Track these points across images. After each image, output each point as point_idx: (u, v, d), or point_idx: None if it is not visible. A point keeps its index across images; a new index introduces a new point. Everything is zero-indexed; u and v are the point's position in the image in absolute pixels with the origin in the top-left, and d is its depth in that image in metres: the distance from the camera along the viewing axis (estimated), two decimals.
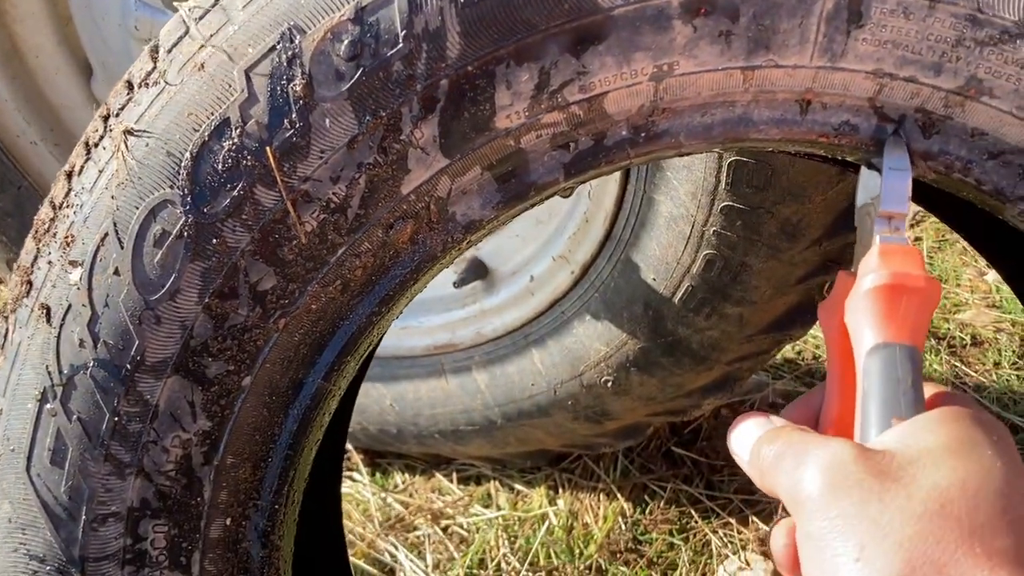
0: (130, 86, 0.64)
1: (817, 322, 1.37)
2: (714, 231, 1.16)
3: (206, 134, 0.60)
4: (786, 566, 0.59)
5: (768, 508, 1.64)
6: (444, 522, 1.67)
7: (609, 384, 1.43)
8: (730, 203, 1.12)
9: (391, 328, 1.61)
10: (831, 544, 0.48)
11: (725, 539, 1.59)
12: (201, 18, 0.61)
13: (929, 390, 0.61)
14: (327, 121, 0.59)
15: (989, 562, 0.45)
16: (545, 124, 0.61)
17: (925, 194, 0.76)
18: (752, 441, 0.59)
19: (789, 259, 1.18)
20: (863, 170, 0.68)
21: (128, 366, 0.63)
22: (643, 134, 0.63)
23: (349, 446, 1.80)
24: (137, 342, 0.63)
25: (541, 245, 1.45)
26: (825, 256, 1.21)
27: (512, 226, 1.49)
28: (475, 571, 1.56)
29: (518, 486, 1.74)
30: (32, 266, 0.66)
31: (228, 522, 0.69)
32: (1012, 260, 0.79)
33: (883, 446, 0.52)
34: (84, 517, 0.66)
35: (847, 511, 0.48)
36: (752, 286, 1.21)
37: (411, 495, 1.74)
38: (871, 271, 0.61)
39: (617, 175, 1.22)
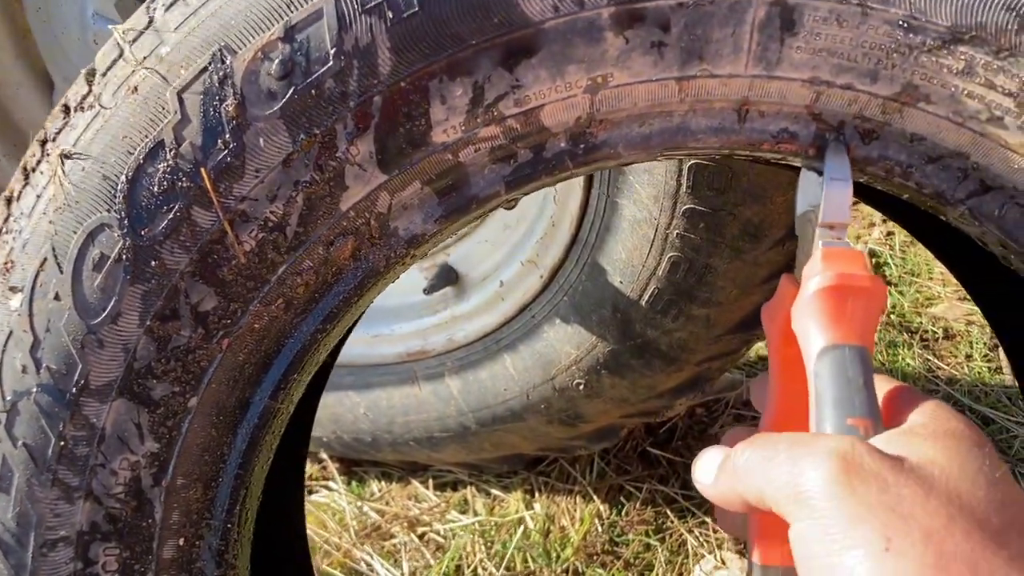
0: (67, 109, 0.64)
1: None
2: (677, 234, 1.16)
3: (141, 157, 0.59)
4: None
5: None
6: (420, 529, 1.67)
7: (581, 387, 1.43)
8: (692, 206, 1.12)
9: (363, 336, 1.61)
10: (851, 535, 0.45)
11: (701, 538, 1.60)
12: (135, 40, 0.61)
13: (883, 385, 0.60)
14: (261, 140, 0.59)
15: (1014, 564, 0.44)
16: (483, 138, 0.61)
17: (876, 197, 0.76)
18: (715, 465, 0.57)
19: (753, 260, 1.19)
20: (802, 178, 0.68)
21: (72, 390, 0.63)
22: (582, 145, 0.63)
23: (324, 455, 1.79)
24: (80, 366, 0.62)
25: (510, 250, 1.45)
26: (788, 256, 1.21)
27: (481, 231, 1.49)
28: None
29: (495, 491, 1.74)
30: None
31: (181, 543, 0.69)
32: (962, 261, 0.79)
33: (891, 450, 0.50)
34: (33, 543, 0.65)
35: (868, 500, 0.46)
36: (718, 287, 1.22)
37: (387, 503, 1.74)
38: (816, 274, 0.61)
39: (581, 179, 1.22)
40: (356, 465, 1.81)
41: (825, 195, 0.63)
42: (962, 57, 0.59)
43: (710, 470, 0.57)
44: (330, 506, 1.73)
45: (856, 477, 0.47)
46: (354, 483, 1.79)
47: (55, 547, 0.65)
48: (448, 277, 1.55)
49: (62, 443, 0.64)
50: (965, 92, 0.60)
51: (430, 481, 1.77)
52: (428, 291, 1.55)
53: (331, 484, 1.77)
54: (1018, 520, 0.47)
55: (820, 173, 0.65)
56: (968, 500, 0.46)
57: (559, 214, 1.31)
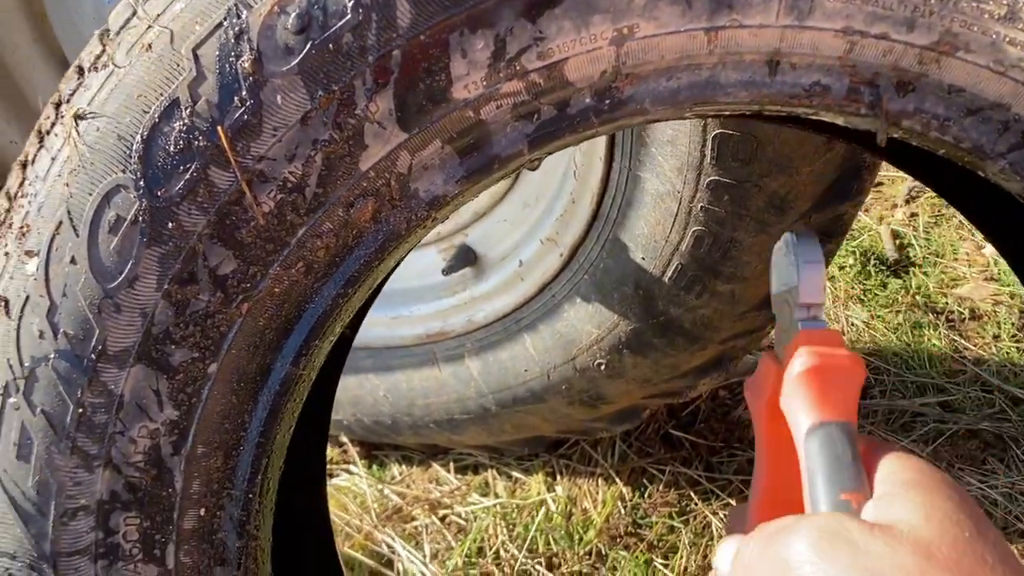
0: (80, 71, 0.63)
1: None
2: (701, 207, 1.14)
3: (156, 115, 0.58)
4: None
5: None
6: (442, 512, 1.66)
7: (603, 367, 1.41)
8: (716, 177, 1.10)
9: (382, 318, 1.60)
10: None
11: (726, 520, 1.57)
12: None
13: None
14: (278, 97, 0.57)
15: None
16: (505, 94, 0.60)
17: (903, 157, 0.74)
18: (731, 557, 0.60)
19: (779, 233, 1.16)
20: (775, 259, 0.72)
21: (90, 356, 0.62)
22: (607, 101, 0.61)
23: (345, 439, 1.79)
24: (98, 331, 0.61)
25: (529, 229, 1.44)
26: (816, 229, 1.19)
27: (499, 210, 1.47)
28: (473, 560, 1.55)
29: (515, 474, 1.73)
30: None
31: (202, 512, 0.68)
32: (996, 220, 0.77)
33: (868, 517, 0.55)
34: (53, 512, 0.64)
35: (840, 561, 0.50)
36: (742, 262, 1.20)
37: (408, 486, 1.73)
38: (799, 356, 0.64)
39: (602, 153, 1.20)
40: (376, 449, 1.80)
41: (800, 278, 0.66)
42: (1004, 2, 0.57)
43: (727, 561, 0.61)
44: (351, 489, 1.72)
45: (832, 545, 0.51)
46: (374, 466, 1.78)
47: (75, 516, 0.65)
48: (466, 258, 1.54)
49: (80, 410, 0.63)
50: (1007, 39, 0.58)
51: (451, 464, 1.76)
52: (447, 272, 1.53)
53: (351, 468, 1.76)
54: (988, 555, 0.50)
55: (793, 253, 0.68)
56: (938, 547, 0.50)
57: (579, 190, 1.29)
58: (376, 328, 1.60)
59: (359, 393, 1.65)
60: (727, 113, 0.68)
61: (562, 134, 0.63)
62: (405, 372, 1.61)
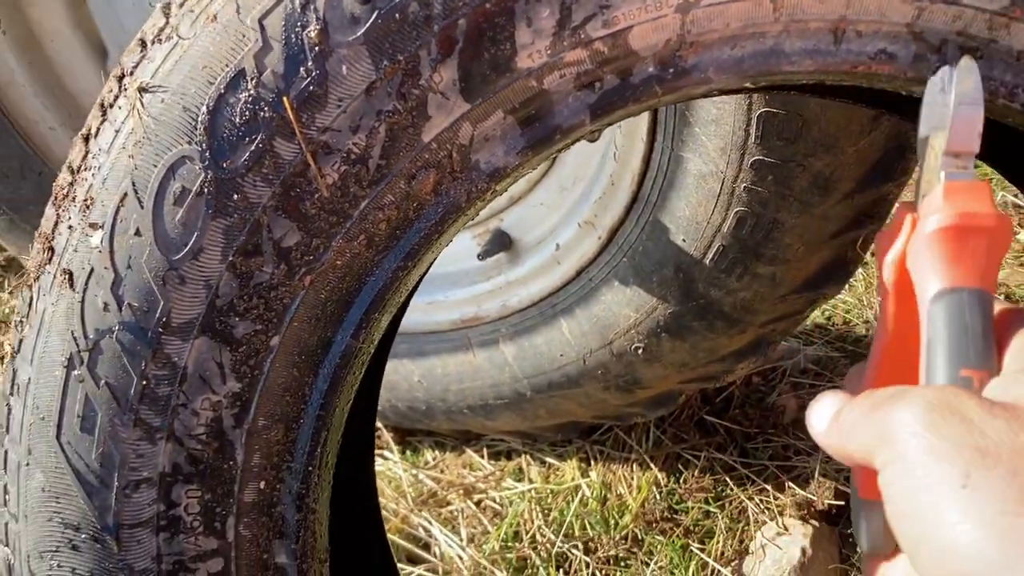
0: (143, 44, 0.63)
1: (850, 282, 1.34)
2: (744, 187, 1.13)
3: (222, 86, 0.58)
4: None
5: (804, 473, 1.62)
6: (476, 496, 1.67)
7: (640, 351, 1.41)
8: (760, 157, 1.09)
9: (417, 303, 1.61)
10: (932, 472, 0.44)
11: (762, 505, 1.57)
12: None
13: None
14: (344, 68, 0.57)
15: None
16: (568, 63, 0.59)
17: None
18: (830, 414, 0.55)
19: (822, 214, 1.16)
20: (927, 96, 0.63)
21: (154, 328, 0.62)
22: (671, 70, 0.61)
23: (379, 424, 1.79)
24: (162, 303, 0.62)
25: (566, 212, 1.43)
26: (858, 210, 1.18)
27: (535, 194, 1.47)
28: (510, 544, 1.55)
29: (549, 459, 1.73)
30: (53, 232, 0.65)
31: (262, 486, 0.68)
32: None
33: (991, 395, 0.49)
34: (116, 484, 0.65)
35: (950, 437, 0.45)
36: (784, 243, 1.19)
37: (442, 471, 1.73)
38: (936, 211, 0.57)
39: (644, 133, 1.20)
40: (410, 434, 1.81)
41: (953, 121, 0.58)
42: None
43: (824, 418, 0.55)
44: (386, 474, 1.73)
45: (942, 419, 0.46)
46: (408, 452, 1.79)
47: (138, 488, 0.65)
48: (502, 242, 1.53)
49: (144, 382, 0.63)
50: None
51: (484, 450, 1.76)
52: (482, 257, 1.53)
53: (386, 453, 1.77)
54: None
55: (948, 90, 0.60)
56: None
57: (619, 172, 1.29)
58: (411, 313, 1.60)
59: (394, 378, 1.65)
60: (788, 84, 0.67)
61: (624, 104, 0.62)
62: (440, 357, 1.62)
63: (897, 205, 0.64)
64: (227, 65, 0.58)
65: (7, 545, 0.70)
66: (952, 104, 0.58)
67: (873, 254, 1.88)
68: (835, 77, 0.64)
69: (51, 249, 0.65)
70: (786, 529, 1.49)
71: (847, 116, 1.06)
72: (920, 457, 0.45)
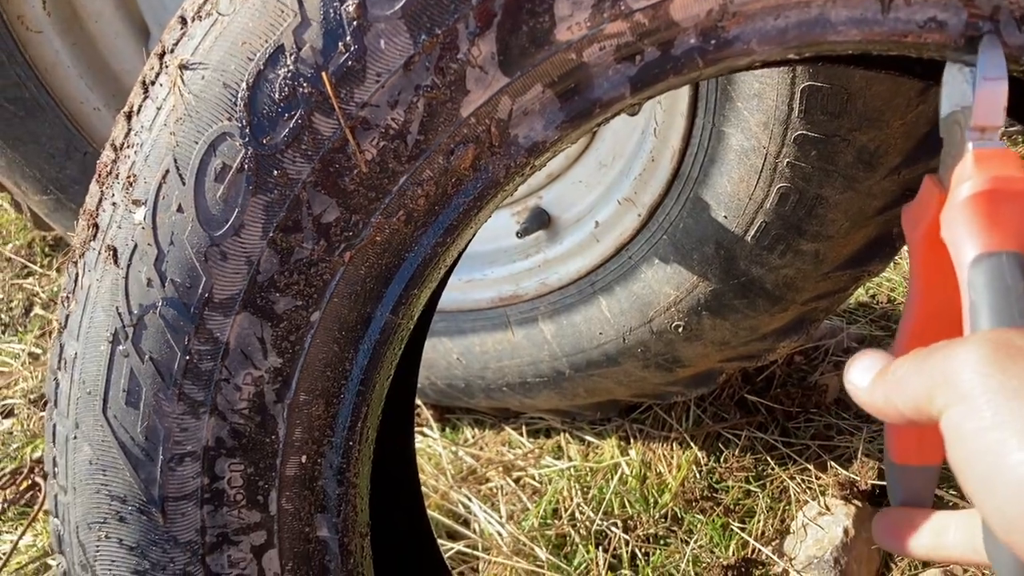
0: (183, 21, 0.63)
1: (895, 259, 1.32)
2: (788, 163, 1.11)
3: (261, 62, 0.58)
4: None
5: (847, 453, 1.60)
6: (516, 474, 1.67)
7: (680, 329, 1.40)
8: (804, 132, 1.07)
9: (455, 282, 1.61)
10: (1001, 410, 0.43)
11: (803, 485, 1.56)
12: None
13: None
14: (382, 42, 0.57)
15: None
16: (608, 35, 0.59)
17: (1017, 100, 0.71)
18: (873, 370, 0.54)
19: (867, 190, 1.13)
20: (947, 74, 0.63)
21: (196, 304, 0.63)
22: (713, 41, 0.60)
23: (418, 401, 1.80)
24: (204, 279, 0.62)
25: (605, 189, 1.42)
26: (904, 185, 1.15)
27: (574, 171, 1.46)
28: (549, 520, 1.56)
29: (588, 437, 1.73)
30: (97, 209, 0.66)
31: (303, 460, 0.69)
32: None
33: None
34: (161, 457, 0.66)
35: (1018, 374, 0.43)
36: (828, 220, 1.17)
37: (481, 448, 1.74)
38: (967, 179, 0.57)
39: (684, 109, 1.18)
40: (449, 412, 1.82)
41: (977, 95, 0.58)
42: None
43: (866, 374, 0.54)
44: (425, 451, 1.74)
45: (1008, 357, 0.44)
46: (447, 430, 1.80)
47: (182, 461, 0.66)
48: (540, 220, 1.53)
49: (187, 357, 0.64)
50: None
51: (523, 428, 1.77)
52: (520, 235, 1.53)
53: (425, 430, 1.78)
54: None
55: (967, 64, 0.60)
56: None
57: (659, 148, 1.27)
58: (449, 291, 1.61)
59: (432, 356, 1.66)
60: (833, 55, 0.65)
61: (665, 76, 0.61)
62: (478, 335, 1.62)
63: (925, 178, 0.63)
64: (266, 41, 0.58)
65: (57, 516, 0.72)
66: (976, 79, 0.58)
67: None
68: (882, 47, 0.62)
69: (95, 226, 0.66)
70: (828, 509, 1.47)
71: (893, 89, 1.04)
72: (987, 396, 0.43)
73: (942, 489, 1.49)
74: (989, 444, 0.42)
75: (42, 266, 2.51)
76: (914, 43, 0.61)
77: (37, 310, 2.36)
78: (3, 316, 2.35)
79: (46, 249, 2.55)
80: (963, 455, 0.44)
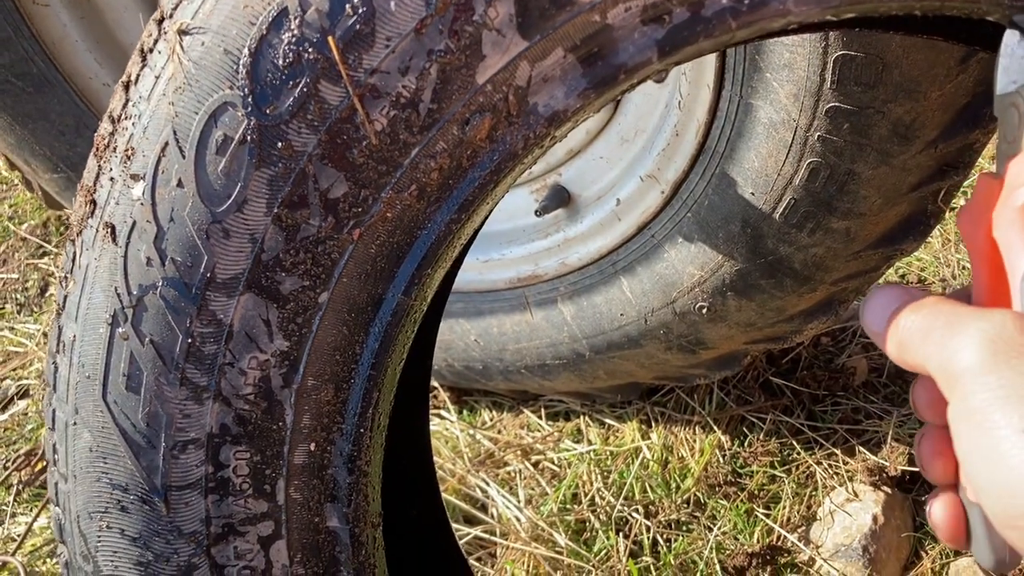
0: None
1: (927, 238, 1.26)
2: (819, 137, 1.07)
3: (264, 27, 0.55)
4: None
5: (876, 438, 1.56)
6: (534, 457, 1.64)
7: (704, 311, 1.35)
8: (836, 104, 1.03)
9: (473, 262, 1.58)
10: (991, 416, 0.43)
11: (830, 470, 1.52)
12: None
13: None
14: (392, 4, 0.53)
15: None
16: None
17: None
18: (889, 311, 0.53)
19: (901, 164, 1.08)
20: (1006, 42, 0.57)
21: (198, 284, 0.59)
22: (746, 1, 0.56)
23: (435, 384, 1.78)
24: (206, 258, 0.59)
25: (627, 165, 1.38)
26: (941, 160, 1.11)
27: (595, 147, 1.42)
28: (568, 505, 1.53)
29: (609, 421, 1.69)
30: (95, 184, 0.63)
31: (312, 447, 0.66)
32: None
33: None
34: (164, 444, 0.63)
35: (1012, 380, 0.43)
36: (860, 196, 1.12)
37: (499, 431, 1.71)
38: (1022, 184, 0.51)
39: (710, 81, 1.14)
40: (466, 394, 1.79)
41: None
42: None
43: (881, 315, 0.53)
44: (442, 434, 1.71)
45: (1004, 356, 0.45)
46: (465, 412, 1.77)
47: (186, 449, 0.63)
48: (560, 198, 1.49)
49: (189, 340, 0.61)
50: None
51: (542, 411, 1.74)
52: (540, 213, 1.49)
53: (443, 413, 1.75)
54: None
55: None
56: None
57: (684, 122, 1.23)
58: (467, 272, 1.57)
59: (450, 338, 1.63)
60: (874, 16, 0.61)
61: (695, 39, 0.57)
62: (496, 317, 1.59)
63: (980, 173, 0.57)
64: (269, 3, 0.54)
65: (58, 504, 0.69)
66: None
67: (953, 209, 1.79)
68: (931, 4, 0.57)
69: (93, 202, 0.63)
70: (856, 495, 1.43)
71: (932, 58, 0.99)
72: (979, 403, 0.44)
73: None
74: (980, 449, 0.44)
75: (57, 246, 2.49)
76: (964, 1, 0.56)
77: (52, 290, 2.35)
78: (18, 296, 2.34)
79: (61, 229, 2.54)
80: (959, 450, 0.46)
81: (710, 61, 1.13)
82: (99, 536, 0.66)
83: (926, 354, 0.49)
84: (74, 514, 0.67)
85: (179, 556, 0.65)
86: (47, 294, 2.35)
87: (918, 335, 0.50)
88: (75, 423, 0.65)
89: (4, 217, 2.63)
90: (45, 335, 2.18)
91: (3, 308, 2.31)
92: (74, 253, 0.65)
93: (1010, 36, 0.55)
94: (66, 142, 1.45)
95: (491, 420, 1.74)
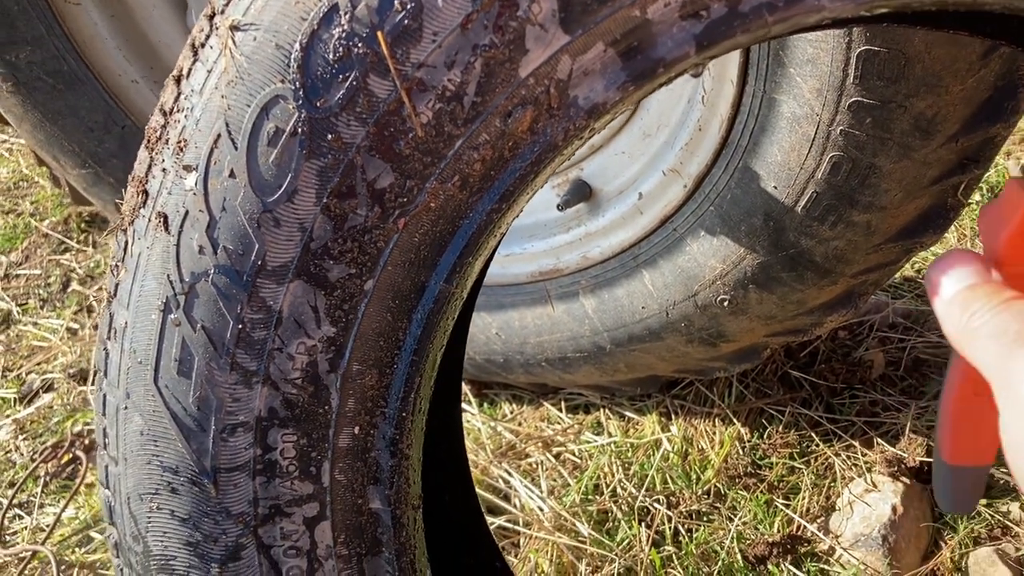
0: None
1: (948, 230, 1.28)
2: (841, 131, 1.08)
3: (315, 22, 0.56)
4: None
5: (893, 429, 1.57)
6: (556, 449, 1.66)
7: (725, 303, 1.37)
8: (859, 98, 1.04)
9: (495, 256, 1.59)
10: None
11: (848, 462, 1.53)
12: None
13: None
14: (439, 0, 0.55)
15: None
16: None
17: None
18: (959, 286, 0.53)
19: (922, 158, 1.10)
20: None
21: (249, 271, 0.61)
22: None
23: None
24: (257, 246, 0.61)
25: (649, 160, 1.39)
26: (962, 154, 1.12)
27: (617, 142, 1.44)
28: (590, 496, 1.54)
29: (629, 413, 1.71)
30: (147, 175, 0.65)
31: (356, 431, 0.67)
32: None
33: None
34: (213, 427, 0.65)
35: None
36: (882, 190, 1.14)
37: (520, 424, 1.73)
38: None
39: (734, 76, 1.15)
40: (486, 387, 1.81)
41: None
42: None
43: (951, 289, 0.53)
44: (463, 426, 1.73)
45: None
46: (486, 405, 1.79)
47: (235, 432, 0.65)
48: (582, 192, 1.50)
49: (240, 326, 0.63)
50: None
51: (561, 403, 1.75)
52: (561, 207, 1.51)
53: (463, 405, 1.77)
54: None
55: None
56: None
57: (707, 117, 1.24)
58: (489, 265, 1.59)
59: (471, 331, 1.65)
60: (907, 11, 0.62)
61: (732, 34, 0.59)
62: (518, 310, 1.60)
63: (1007, 179, 0.58)
64: (320, 0, 0.56)
65: (108, 487, 0.71)
66: None
67: (970, 204, 1.78)
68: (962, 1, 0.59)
69: (145, 192, 0.65)
70: (875, 486, 1.45)
71: (953, 53, 1.00)
72: None
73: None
74: None
75: (79, 242, 2.52)
76: None
77: (75, 286, 2.38)
78: (41, 292, 2.37)
79: (82, 225, 2.57)
80: (1012, 458, 0.46)
81: (734, 57, 1.14)
82: (149, 517, 0.68)
83: (990, 355, 0.48)
84: (124, 496, 0.69)
85: (227, 536, 0.67)
86: (69, 289, 2.38)
87: (988, 337, 0.49)
88: (126, 407, 0.67)
89: (26, 214, 2.66)
90: (69, 330, 2.21)
91: (26, 303, 2.34)
92: (125, 242, 0.67)
93: None
94: (94, 138, 1.47)
95: (511, 412, 1.76)
